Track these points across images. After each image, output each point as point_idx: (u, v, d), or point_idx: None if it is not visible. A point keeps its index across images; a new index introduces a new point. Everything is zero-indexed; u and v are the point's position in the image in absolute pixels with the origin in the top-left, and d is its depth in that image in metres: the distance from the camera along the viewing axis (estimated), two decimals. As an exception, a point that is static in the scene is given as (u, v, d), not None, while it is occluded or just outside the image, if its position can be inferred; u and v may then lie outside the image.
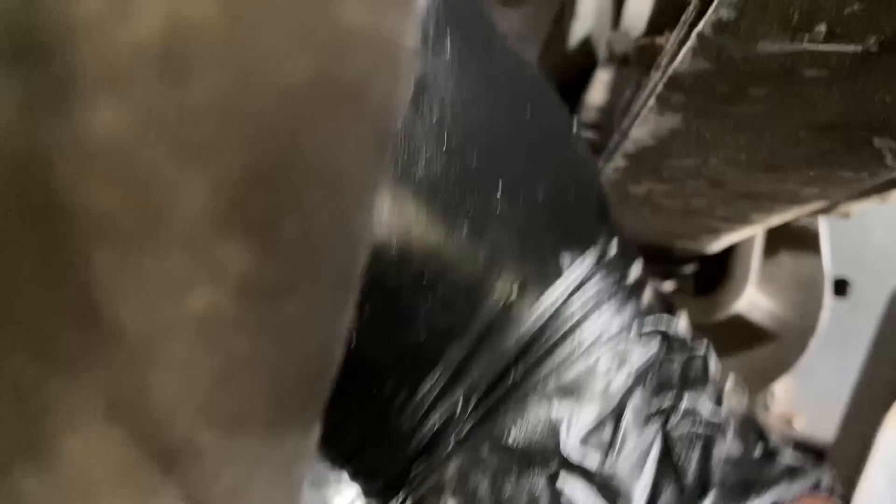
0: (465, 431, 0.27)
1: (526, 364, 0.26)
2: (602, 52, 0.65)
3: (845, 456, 0.82)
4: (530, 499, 0.26)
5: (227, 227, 0.11)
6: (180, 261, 0.11)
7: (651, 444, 0.26)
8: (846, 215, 0.60)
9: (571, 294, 0.27)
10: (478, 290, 0.26)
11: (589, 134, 0.64)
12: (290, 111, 0.10)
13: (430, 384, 0.26)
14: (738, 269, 0.72)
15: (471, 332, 0.26)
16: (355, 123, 0.11)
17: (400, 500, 0.28)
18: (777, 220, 0.53)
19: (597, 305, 0.27)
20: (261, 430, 0.13)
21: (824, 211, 0.55)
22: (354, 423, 0.28)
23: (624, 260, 0.29)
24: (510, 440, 0.26)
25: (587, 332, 0.27)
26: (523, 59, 0.29)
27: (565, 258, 0.27)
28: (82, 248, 0.11)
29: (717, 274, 0.75)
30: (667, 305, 0.31)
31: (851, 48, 0.25)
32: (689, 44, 0.28)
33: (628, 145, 0.41)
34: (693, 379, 0.28)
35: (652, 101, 0.34)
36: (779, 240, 0.76)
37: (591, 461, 0.26)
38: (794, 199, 0.46)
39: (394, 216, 0.24)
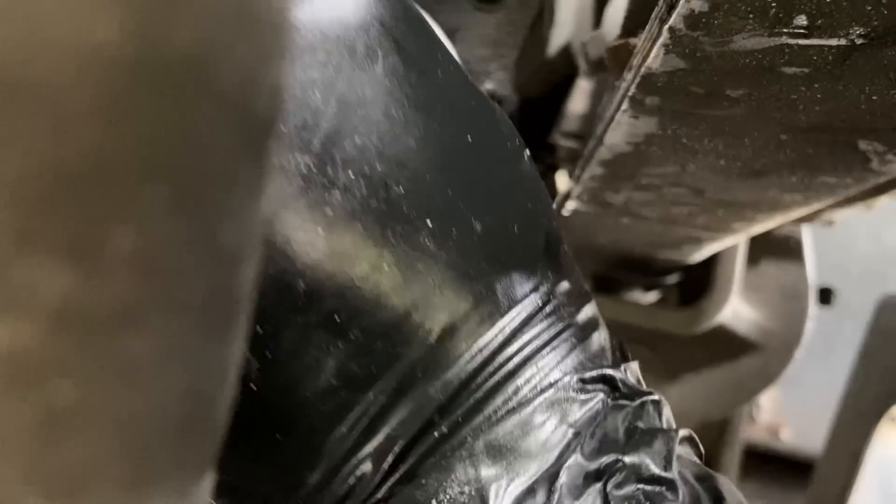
0: (381, 493, 0.24)
1: (452, 416, 0.24)
2: (581, 59, 0.64)
3: (834, 470, 0.81)
4: None
5: (30, 244, 0.08)
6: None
7: None
8: (830, 223, 0.59)
9: (509, 338, 0.25)
10: (398, 333, 0.23)
11: (570, 144, 0.62)
12: (100, 85, 0.08)
13: (340, 436, 0.23)
14: (721, 279, 0.71)
15: (389, 378, 0.23)
16: (202, 103, 0.09)
17: None
18: (760, 228, 0.51)
19: (536, 350, 0.25)
20: (114, 493, 0.10)
21: (808, 219, 0.54)
22: (260, 477, 0.25)
23: (573, 300, 0.27)
24: None
25: (523, 381, 0.25)
26: (472, 86, 0.27)
27: (504, 298, 0.25)
28: None
29: (700, 285, 0.73)
30: (620, 349, 0.29)
31: (834, 42, 0.24)
32: (660, 40, 0.26)
33: (604, 152, 0.39)
34: (641, 431, 0.25)
35: (626, 105, 0.32)
36: (762, 249, 0.75)
37: None
38: (777, 207, 0.44)
39: (302, 245, 0.22)
